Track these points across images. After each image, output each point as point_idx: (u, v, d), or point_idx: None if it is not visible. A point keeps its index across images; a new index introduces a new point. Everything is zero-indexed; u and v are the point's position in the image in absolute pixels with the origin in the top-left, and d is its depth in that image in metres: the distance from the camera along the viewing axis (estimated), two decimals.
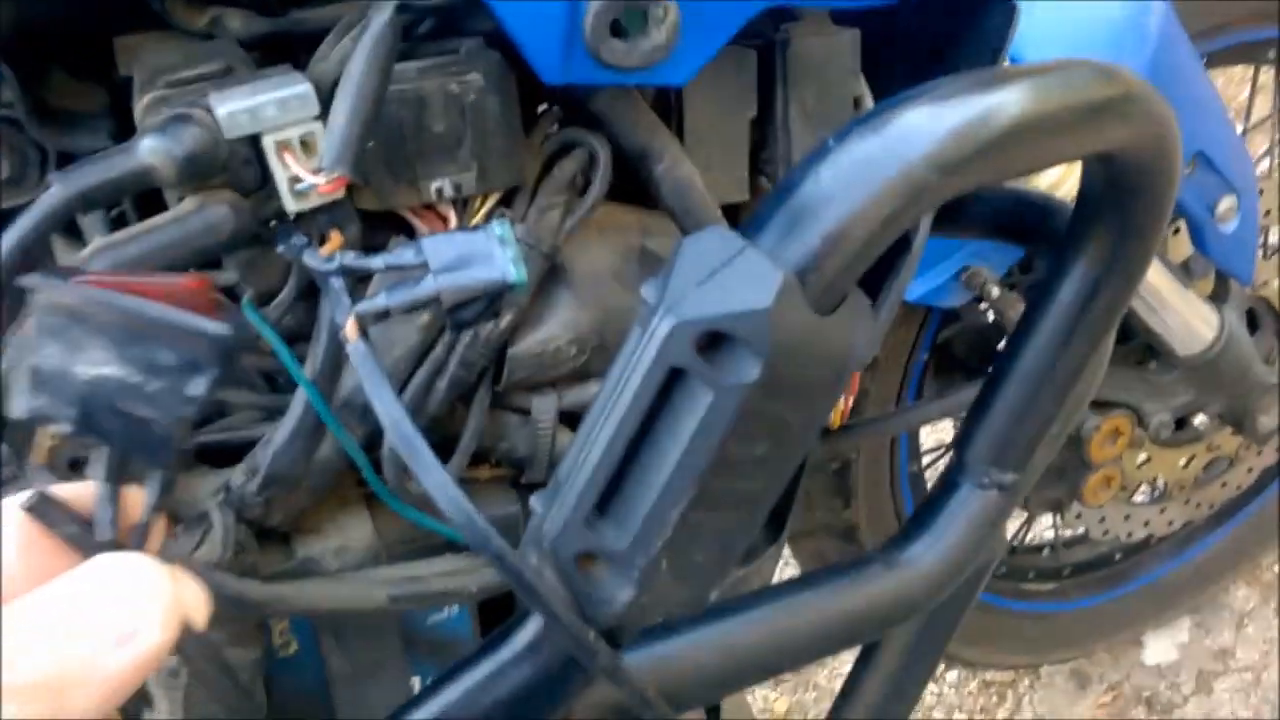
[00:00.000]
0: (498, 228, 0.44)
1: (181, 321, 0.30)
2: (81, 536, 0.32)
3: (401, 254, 0.44)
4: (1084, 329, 0.57)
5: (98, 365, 0.30)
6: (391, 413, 0.39)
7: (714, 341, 0.38)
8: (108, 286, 0.30)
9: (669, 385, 0.38)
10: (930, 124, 0.41)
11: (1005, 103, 0.42)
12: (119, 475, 0.32)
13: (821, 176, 0.39)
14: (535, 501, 0.41)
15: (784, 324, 0.37)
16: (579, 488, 0.39)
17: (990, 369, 1.23)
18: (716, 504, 0.40)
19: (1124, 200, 0.51)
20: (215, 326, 0.31)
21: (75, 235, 0.54)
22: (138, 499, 0.33)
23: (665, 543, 0.39)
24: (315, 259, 0.45)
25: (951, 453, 0.63)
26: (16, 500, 0.31)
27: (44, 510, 0.31)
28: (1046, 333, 0.58)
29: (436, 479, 0.39)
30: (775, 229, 0.40)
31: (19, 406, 0.31)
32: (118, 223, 0.53)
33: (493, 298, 0.43)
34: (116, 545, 0.32)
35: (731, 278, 0.38)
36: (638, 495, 0.39)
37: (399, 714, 0.45)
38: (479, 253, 0.42)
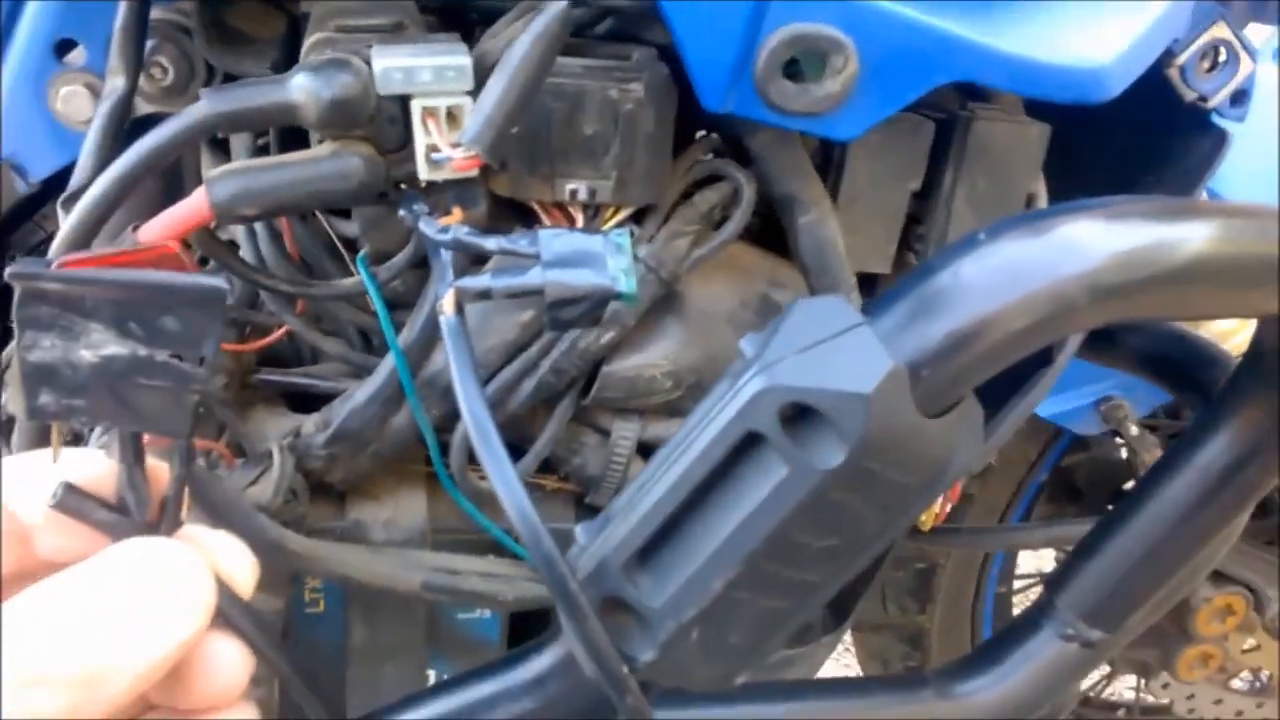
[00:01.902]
0: (618, 236, 0.42)
1: (179, 283, 0.29)
2: (113, 523, 0.31)
3: (516, 240, 0.43)
4: (1221, 498, 0.52)
5: (100, 347, 0.29)
6: (469, 394, 0.37)
7: (802, 414, 0.35)
8: (87, 265, 0.29)
9: (744, 448, 0.36)
10: (1095, 241, 0.37)
11: (1185, 238, 0.38)
12: (137, 453, 0.31)
13: (962, 270, 0.36)
14: (580, 531, 0.39)
15: (882, 415, 0.34)
16: (625, 531, 0.37)
17: (1108, 509, 1.15)
18: (765, 586, 0.37)
19: None
20: (212, 282, 0.30)
21: (225, 153, 0.55)
22: (161, 474, 0.32)
23: (700, 612, 0.36)
24: (431, 227, 0.44)
25: (1043, 588, 0.58)
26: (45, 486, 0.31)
27: (72, 502, 0.31)
28: (1178, 491, 0.53)
29: (504, 473, 0.37)
30: (899, 313, 0.37)
31: (26, 407, 0.30)
32: (262, 151, 0.54)
33: (596, 304, 0.41)
34: (149, 527, 0.32)
35: (838, 352, 0.35)
36: (684, 554, 0.36)
37: (405, 703, 0.44)
38: (594, 255, 0.41)
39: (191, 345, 0.29)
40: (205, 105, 0.44)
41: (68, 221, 0.45)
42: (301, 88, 0.44)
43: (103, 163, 0.50)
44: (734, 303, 0.58)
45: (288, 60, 0.53)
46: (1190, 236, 0.38)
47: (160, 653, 0.29)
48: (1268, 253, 0.40)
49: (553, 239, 0.41)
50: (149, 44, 0.53)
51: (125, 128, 0.51)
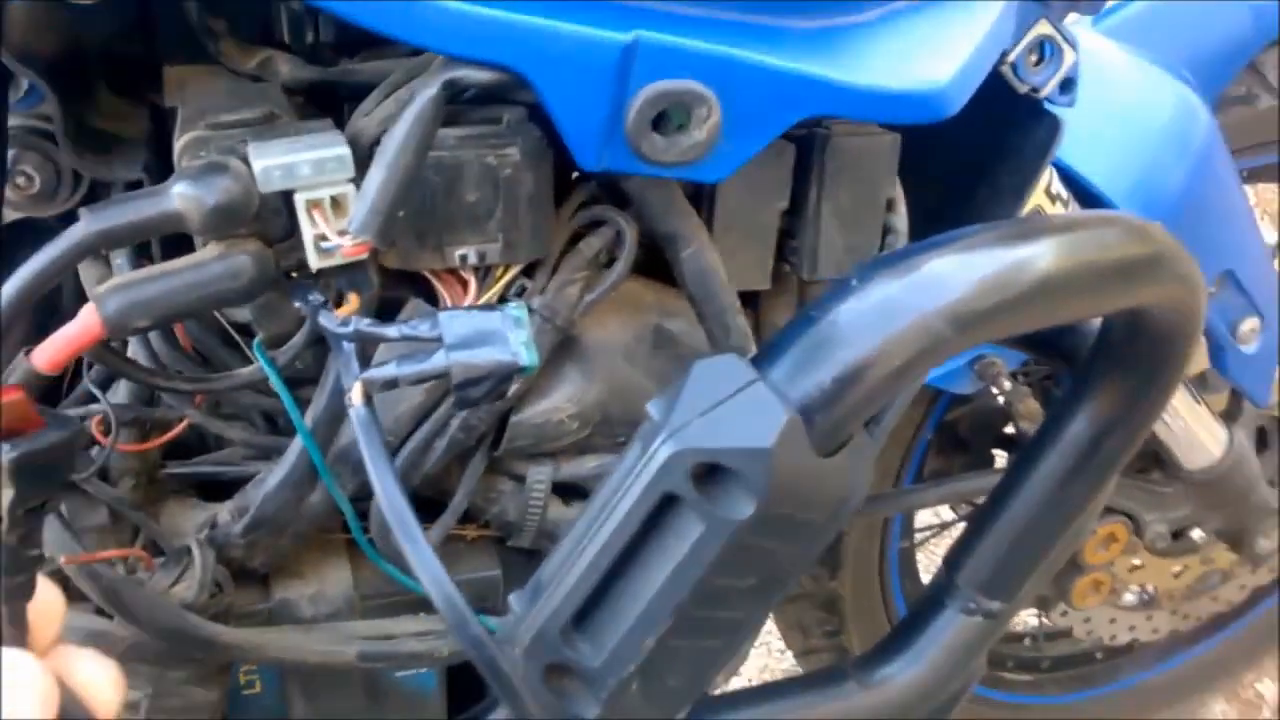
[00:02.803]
0: (514, 309, 0.44)
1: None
2: None
3: (417, 325, 0.44)
4: (1090, 469, 0.56)
5: None
6: (388, 489, 0.39)
7: (711, 472, 0.38)
8: None
9: (661, 509, 0.38)
10: (954, 274, 0.40)
11: (1032, 259, 0.42)
12: None
13: (840, 317, 0.39)
14: (514, 601, 0.41)
15: (784, 464, 0.37)
16: (558, 599, 0.39)
17: (991, 454, 1.21)
18: (696, 631, 0.39)
19: (1143, 353, 0.51)
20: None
21: (104, 261, 0.54)
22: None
23: (638, 666, 0.39)
24: (331, 321, 0.45)
25: (942, 567, 0.63)
26: None
27: None
28: (1052, 466, 0.57)
29: (426, 560, 0.38)
30: (788, 363, 0.39)
31: None
32: (142, 254, 0.53)
33: (501, 379, 0.43)
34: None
35: (737, 410, 0.38)
36: (616, 615, 0.39)
37: None
38: (494, 332, 0.43)
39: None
40: (85, 225, 0.44)
41: None
42: (183, 196, 0.44)
43: None
44: (629, 337, 0.60)
45: (157, 159, 0.53)
46: (1037, 256, 0.42)
47: None
48: (1109, 257, 0.44)
49: (452, 320, 0.42)
50: (10, 153, 0.52)
51: None
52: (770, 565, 0.39)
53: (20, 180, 0.53)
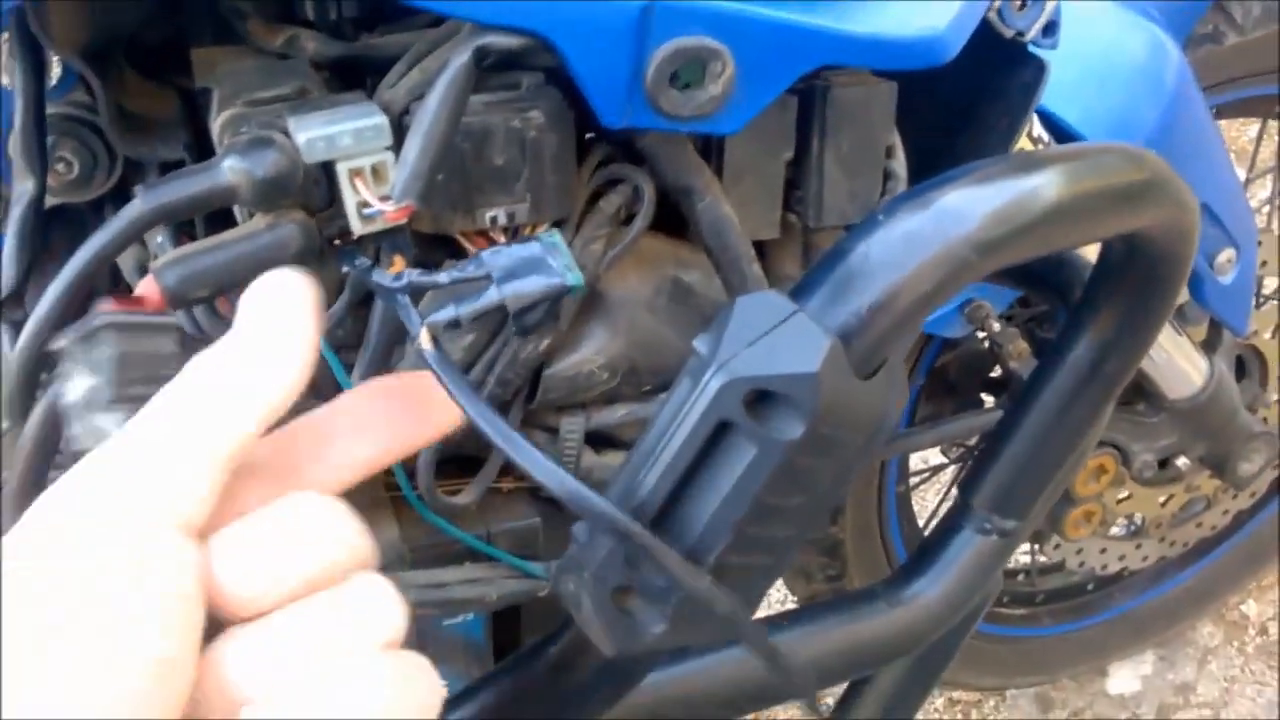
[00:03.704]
0: (549, 237, 0.46)
1: None
2: None
3: (465, 268, 0.46)
4: (1093, 390, 0.60)
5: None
6: (480, 412, 0.40)
7: (761, 399, 0.41)
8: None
9: (715, 436, 0.41)
10: (971, 206, 0.43)
11: (1041, 187, 0.45)
12: None
13: (871, 250, 0.42)
14: (578, 530, 0.44)
15: (829, 387, 0.40)
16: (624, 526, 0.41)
17: (981, 397, 1.25)
18: (750, 548, 0.42)
19: (1141, 276, 0.54)
20: None
21: (140, 242, 0.56)
22: None
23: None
24: (384, 277, 0.47)
25: (957, 493, 0.66)
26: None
27: None
28: (1057, 391, 0.61)
29: (547, 469, 0.40)
30: (823, 296, 0.42)
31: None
32: (181, 230, 0.55)
33: (553, 303, 0.46)
34: None
35: (782, 340, 0.40)
36: (679, 536, 0.41)
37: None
38: (537, 260, 0.45)
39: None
40: (141, 203, 0.45)
41: (24, 336, 0.46)
42: (234, 170, 0.46)
43: (27, 264, 0.52)
44: (649, 290, 0.63)
45: (194, 138, 0.55)
46: (1046, 184, 0.45)
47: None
48: (1110, 183, 0.48)
49: (496, 257, 0.45)
50: (48, 140, 0.54)
51: (41, 222, 0.52)
52: (815, 484, 0.42)
53: (60, 167, 0.54)
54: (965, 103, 0.73)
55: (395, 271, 0.48)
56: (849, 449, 0.42)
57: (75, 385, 0.36)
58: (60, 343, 0.37)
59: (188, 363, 0.34)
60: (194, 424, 0.32)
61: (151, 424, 0.32)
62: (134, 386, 0.38)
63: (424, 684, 0.32)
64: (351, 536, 0.33)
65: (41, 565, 0.28)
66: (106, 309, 0.36)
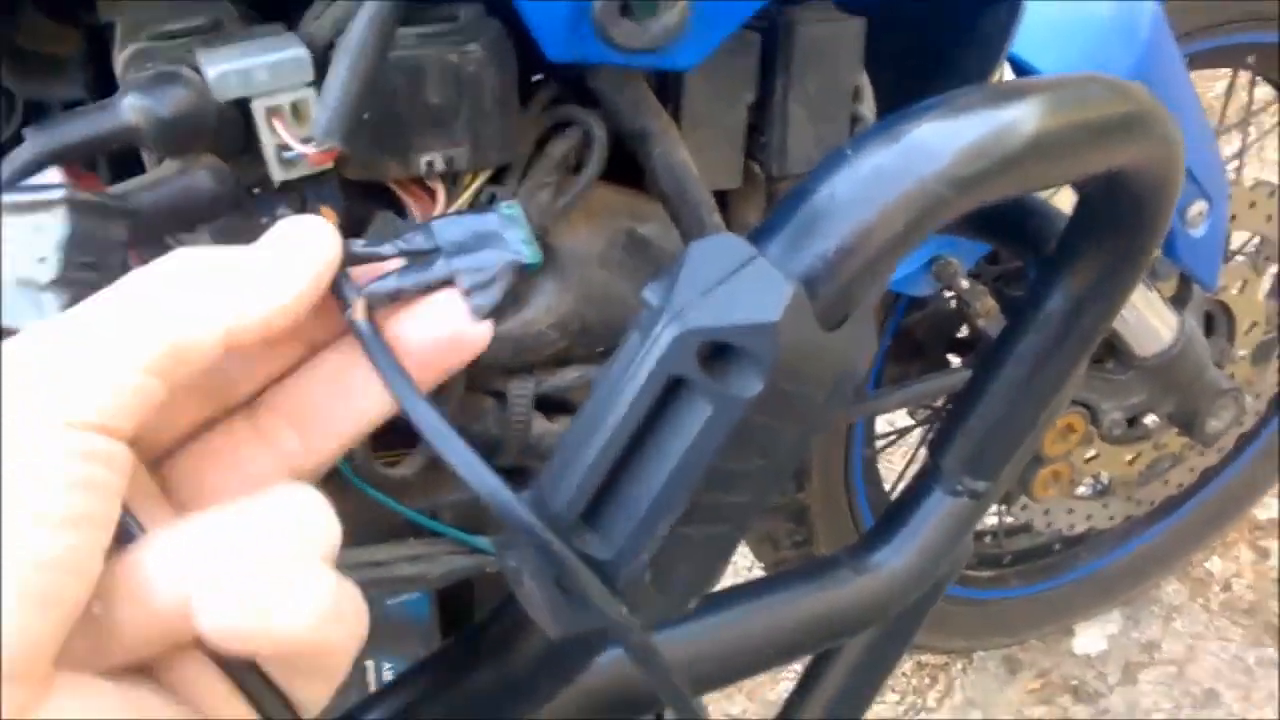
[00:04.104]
0: (507, 208, 0.42)
1: None
2: None
3: (411, 239, 0.42)
4: (1067, 346, 0.57)
5: None
6: (406, 396, 0.37)
7: (717, 352, 0.37)
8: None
9: (666, 395, 0.37)
10: (946, 139, 0.40)
11: (1020, 119, 0.41)
12: None
13: (837, 187, 0.38)
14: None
15: (790, 339, 0.36)
16: (567, 495, 0.38)
17: (947, 357, 1.23)
18: (704, 517, 0.39)
19: (1123, 218, 0.51)
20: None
21: None
22: None
23: (650, 556, 0.38)
24: None
25: (926, 453, 0.63)
26: None
27: None
28: (1030, 345, 0.58)
29: (469, 461, 0.37)
30: (785, 238, 0.38)
31: None
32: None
33: (509, 280, 0.42)
34: None
35: (739, 288, 0.37)
36: (627, 506, 0.38)
37: (365, 706, 0.44)
38: (491, 234, 0.41)
39: None
40: (32, 145, 0.41)
41: None
42: (135, 108, 0.41)
43: None
44: (602, 244, 0.59)
45: (98, 78, 0.50)
46: (1027, 114, 0.41)
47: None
48: (1094, 115, 0.44)
49: (447, 227, 0.41)
50: None
51: None
52: (776, 446, 0.39)
53: None
54: (936, 44, 0.70)
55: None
56: (812, 406, 0.38)
57: (10, 256, 0.32)
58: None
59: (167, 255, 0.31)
60: (138, 319, 0.29)
61: (92, 314, 0.29)
62: (78, 271, 0.34)
63: (359, 606, 0.31)
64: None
65: None
66: (58, 179, 0.32)
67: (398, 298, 0.38)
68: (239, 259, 0.33)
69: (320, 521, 0.31)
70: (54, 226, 0.31)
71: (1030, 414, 0.61)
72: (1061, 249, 0.56)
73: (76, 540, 0.27)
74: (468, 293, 0.38)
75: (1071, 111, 0.42)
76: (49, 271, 0.31)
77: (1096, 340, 0.58)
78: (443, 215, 0.45)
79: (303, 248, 0.34)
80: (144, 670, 0.30)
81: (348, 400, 0.36)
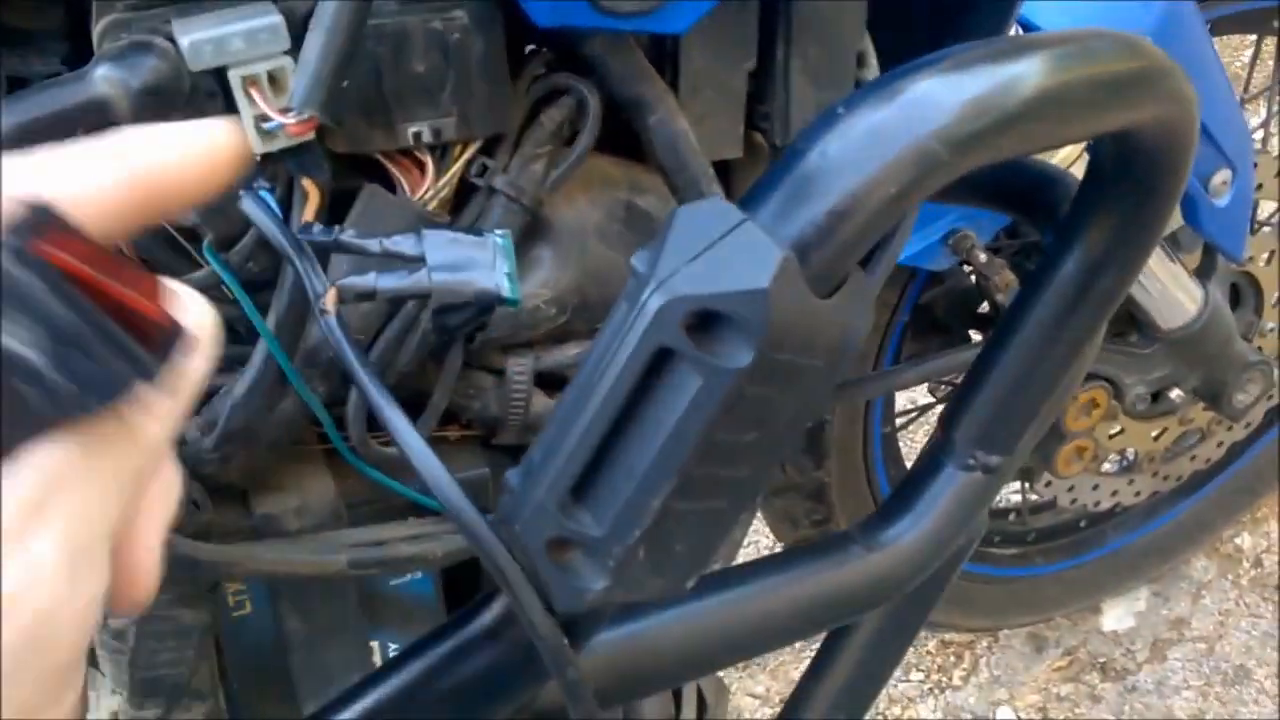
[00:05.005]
0: (501, 238, 0.41)
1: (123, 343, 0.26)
2: None
3: (400, 242, 0.41)
4: (1083, 312, 0.55)
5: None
6: (370, 389, 0.36)
7: (705, 321, 0.36)
8: (70, 269, 0.26)
9: (655, 366, 0.36)
10: (945, 95, 0.38)
11: (1024, 74, 0.40)
12: None
13: (829, 147, 0.37)
14: (510, 477, 0.39)
15: (781, 306, 0.35)
16: (555, 471, 0.37)
17: (968, 334, 1.20)
18: (699, 492, 0.37)
19: (1137, 180, 0.49)
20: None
21: None
22: None
23: (644, 532, 0.37)
24: (309, 229, 0.42)
25: (938, 427, 0.61)
26: None
27: None
28: (1043, 314, 0.56)
29: (418, 450, 0.36)
30: (776, 202, 0.37)
31: None
32: None
33: (482, 309, 0.41)
34: None
35: (728, 254, 0.35)
36: (617, 481, 0.37)
37: (358, 689, 0.43)
38: (479, 259, 0.40)
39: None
40: (4, 120, 0.40)
41: None
42: (107, 79, 0.40)
43: None
44: (599, 216, 0.57)
45: (79, 53, 0.49)
46: (1030, 71, 0.40)
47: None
48: (1102, 72, 0.42)
49: (437, 240, 0.40)
50: None
51: None
52: (772, 416, 0.38)
53: None
54: (942, 5, 0.68)
55: (313, 211, 0.43)
56: (807, 375, 0.37)
57: None
58: None
59: None
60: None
61: None
62: None
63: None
64: None
65: None
66: None
67: (371, 298, 0.36)
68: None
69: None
70: None
71: (1045, 384, 0.59)
72: (1074, 212, 0.54)
73: None
74: (438, 311, 0.37)
75: (1078, 67, 0.41)
76: None
77: (1113, 306, 0.56)
78: (435, 228, 0.44)
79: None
80: None
81: None
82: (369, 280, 0.38)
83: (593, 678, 0.48)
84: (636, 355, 0.36)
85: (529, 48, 0.58)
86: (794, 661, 1.60)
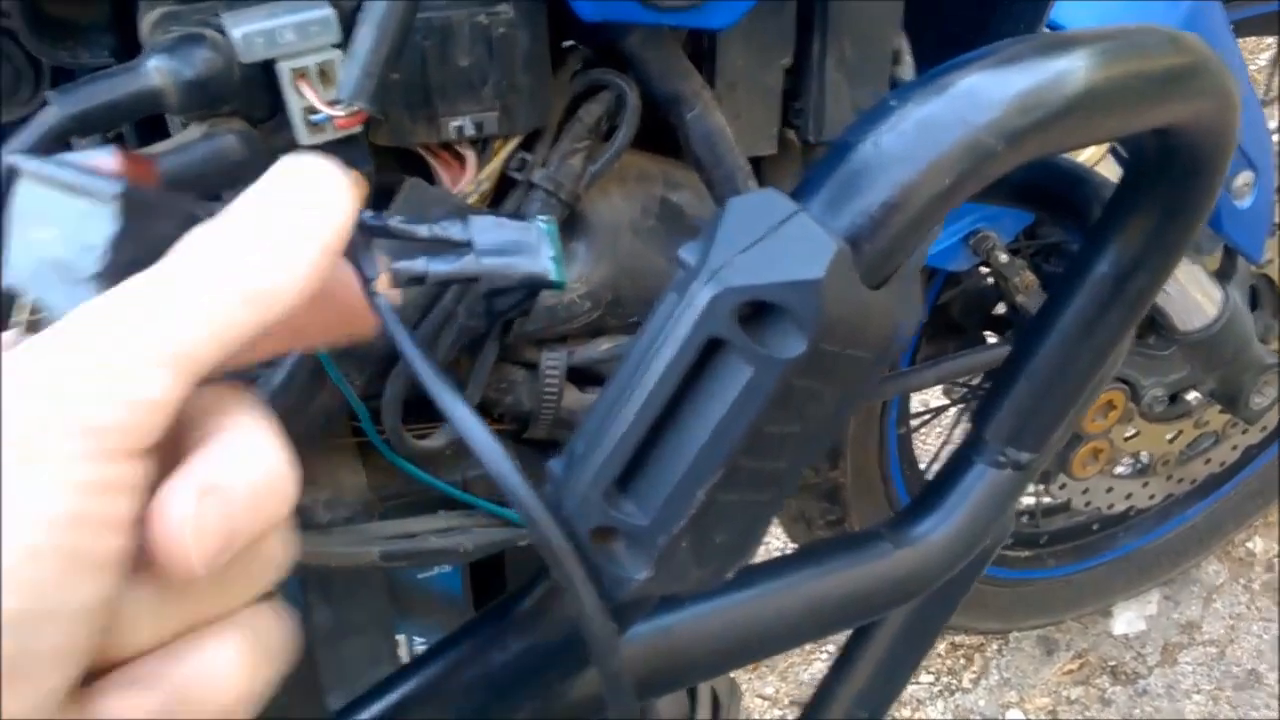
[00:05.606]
0: (545, 223, 0.41)
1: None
2: None
3: (448, 227, 0.41)
4: (1117, 310, 0.55)
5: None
6: (425, 372, 0.36)
7: (757, 312, 0.36)
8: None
9: (704, 356, 0.36)
10: (996, 88, 0.38)
11: (1074, 68, 0.40)
12: None
13: (882, 139, 0.37)
14: (553, 467, 0.39)
15: (834, 297, 0.35)
16: (600, 459, 0.37)
17: (984, 335, 1.20)
18: (742, 484, 0.38)
19: (1177, 178, 0.49)
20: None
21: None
22: None
23: (687, 523, 0.37)
24: (364, 213, 0.42)
25: (970, 424, 0.62)
26: None
27: None
28: (1077, 312, 0.56)
29: (475, 430, 0.36)
30: (828, 193, 0.37)
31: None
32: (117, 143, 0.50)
33: (529, 292, 0.41)
34: None
35: (781, 245, 0.35)
36: (663, 471, 0.37)
37: (388, 682, 0.44)
38: (526, 244, 0.40)
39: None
40: (56, 109, 0.40)
41: None
42: (159, 71, 0.41)
43: None
44: (635, 211, 0.57)
45: (125, 45, 0.49)
46: (1081, 64, 0.40)
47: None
48: (1151, 66, 0.42)
49: (484, 224, 0.40)
50: None
51: None
52: (819, 409, 0.38)
53: None
54: (977, 5, 0.68)
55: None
56: (856, 369, 0.37)
57: (56, 237, 0.30)
58: (43, 169, 0.31)
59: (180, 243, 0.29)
60: (167, 319, 0.28)
61: (119, 311, 0.28)
62: (121, 267, 0.34)
63: None
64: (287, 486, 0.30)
65: None
66: (115, 169, 0.30)
67: (422, 281, 0.37)
68: (251, 239, 0.30)
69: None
70: (105, 220, 0.30)
71: (1076, 383, 0.59)
72: (1111, 210, 0.54)
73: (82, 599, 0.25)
74: (488, 294, 0.37)
75: (1127, 61, 0.41)
76: (94, 263, 0.29)
77: (1145, 306, 0.57)
78: (481, 212, 0.44)
79: (312, 212, 0.31)
80: None
81: None
82: (420, 264, 0.38)
83: (629, 671, 0.49)
84: (687, 346, 0.36)
85: (567, 43, 0.58)
86: (804, 664, 1.60)
